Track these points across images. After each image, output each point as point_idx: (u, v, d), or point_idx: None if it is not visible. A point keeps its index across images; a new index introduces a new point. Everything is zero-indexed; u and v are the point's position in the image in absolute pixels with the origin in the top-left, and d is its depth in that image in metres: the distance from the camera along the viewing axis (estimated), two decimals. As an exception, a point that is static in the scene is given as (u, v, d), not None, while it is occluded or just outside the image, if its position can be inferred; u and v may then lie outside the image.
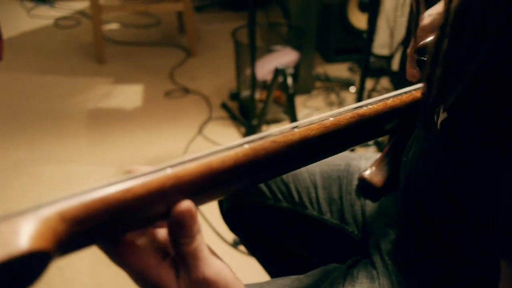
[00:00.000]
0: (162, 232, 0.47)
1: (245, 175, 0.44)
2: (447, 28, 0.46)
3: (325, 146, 0.51)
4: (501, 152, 0.43)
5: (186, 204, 0.41)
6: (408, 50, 0.65)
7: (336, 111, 0.53)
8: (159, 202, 0.39)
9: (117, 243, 0.41)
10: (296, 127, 0.48)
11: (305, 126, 0.49)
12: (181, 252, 0.42)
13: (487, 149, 0.45)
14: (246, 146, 0.44)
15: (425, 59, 0.59)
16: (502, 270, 0.43)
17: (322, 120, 0.50)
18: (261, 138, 0.45)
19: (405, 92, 0.63)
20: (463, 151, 0.48)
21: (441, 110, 0.51)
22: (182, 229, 0.41)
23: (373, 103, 0.57)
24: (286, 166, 0.49)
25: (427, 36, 0.62)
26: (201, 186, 0.41)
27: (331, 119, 0.51)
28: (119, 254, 0.41)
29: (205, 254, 0.43)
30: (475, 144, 0.46)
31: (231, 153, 0.43)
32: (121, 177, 0.38)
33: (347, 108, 0.54)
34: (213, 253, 0.46)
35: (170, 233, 0.42)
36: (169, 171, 0.39)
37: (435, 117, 0.52)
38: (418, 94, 0.63)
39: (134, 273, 0.42)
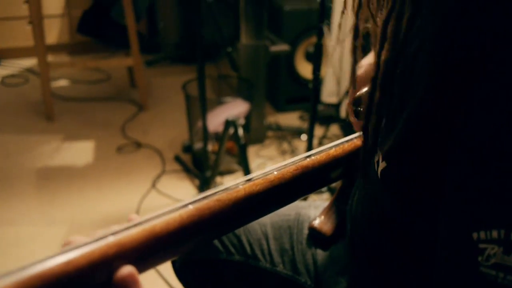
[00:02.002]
0: None
1: (192, 236, 0.44)
2: (378, 80, 0.49)
3: (271, 200, 0.52)
4: (437, 198, 0.45)
5: (127, 270, 0.40)
6: (347, 102, 0.68)
7: (279, 164, 0.54)
8: (104, 271, 0.38)
9: None
10: (243, 183, 0.49)
11: (249, 181, 0.49)
12: None
13: (426, 195, 0.47)
14: (191, 206, 0.44)
15: (361, 109, 0.62)
16: None
17: (267, 175, 0.51)
18: (205, 197, 0.46)
19: (347, 141, 0.66)
20: (404, 197, 0.50)
21: (380, 160, 0.53)
22: None
23: (316, 154, 0.59)
24: (234, 223, 0.49)
25: (361, 88, 0.65)
26: (146, 251, 0.41)
27: (275, 173, 0.52)
28: None
29: None
30: (414, 191, 0.48)
31: (175, 215, 0.43)
32: (62, 250, 0.37)
33: (291, 161, 0.55)
34: None
35: None
36: (111, 239, 0.39)
37: (375, 166, 0.54)
38: (359, 142, 0.66)
39: None
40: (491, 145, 0.38)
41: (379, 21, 0.52)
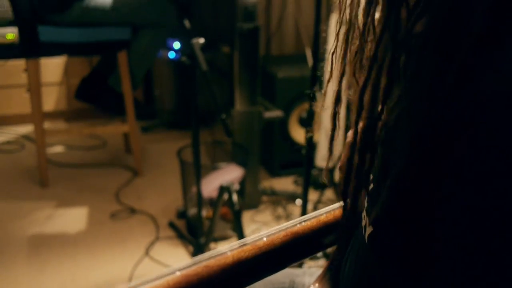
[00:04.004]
0: None
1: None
2: (356, 146, 0.50)
3: (260, 267, 0.52)
4: (424, 265, 0.44)
5: None
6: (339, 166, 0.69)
7: (269, 230, 0.54)
8: None
9: None
10: (231, 250, 0.49)
11: (237, 248, 0.49)
12: None
13: (414, 263, 0.47)
14: (178, 273, 0.44)
15: None
16: None
17: (256, 241, 0.51)
18: (194, 264, 0.45)
19: (338, 207, 0.66)
20: (392, 263, 0.50)
21: (367, 224, 0.53)
22: None
23: (307, 220, 0.59)
24: (222, 290, 0.49)
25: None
26: None
27: (265, 239, 0.52)
28: None
29: None
30: (402, 257, 0.48)
31: (162, 282, 0.42)
32: None
33: (281, 227, 0.55)
34: None
35: None
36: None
37: (363, 230, 0.55)
38: (351, 208, 0.66)
39: None
40: (478, 223, 0.38)
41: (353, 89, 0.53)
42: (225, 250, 0.49)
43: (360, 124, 0.50)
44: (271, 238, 0.53)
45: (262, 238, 0.52)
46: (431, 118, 0.43)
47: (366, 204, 0.55)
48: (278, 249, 0.53)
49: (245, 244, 0.50)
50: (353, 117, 0.52)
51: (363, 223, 0.55)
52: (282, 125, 2.84)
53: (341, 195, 0.54)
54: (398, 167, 0.46)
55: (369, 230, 0.52)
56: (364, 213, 0.56)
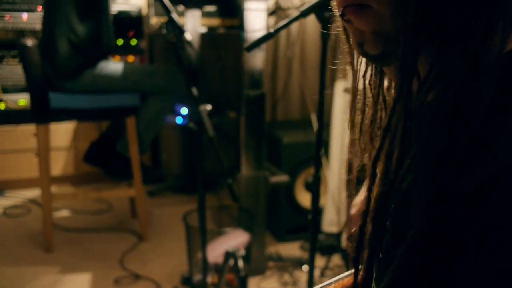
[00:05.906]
0: None
1: None
2: (369, 214, 0.50)
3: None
4: None
5: None
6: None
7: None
8: None
9: None
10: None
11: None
12: None
13: None
14: None
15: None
16: None
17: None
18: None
19: (346, 276, 0.66)
20: None
21: None
22: None
23: (315, 291, 0.59)
24: None
25: (357, 225, 0.66)
26: None
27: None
28: None
29: None
30: None
31: None
32: None
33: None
34: None
35: None
36: None
37: None
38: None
39: None
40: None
41: (368, 156, 0.54)
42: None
43: (374, 192, 0.51)
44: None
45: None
46: (443, 189, 0.44)
47: (375, 273, 0.55)
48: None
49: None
50: (366, 184, 0.52)
51: None
52: (288, 189, 2.84)
53: (353, 263, 0.54)
54: (411, 236, 0.46)
55: None
56: (373, 283, 0.55)
